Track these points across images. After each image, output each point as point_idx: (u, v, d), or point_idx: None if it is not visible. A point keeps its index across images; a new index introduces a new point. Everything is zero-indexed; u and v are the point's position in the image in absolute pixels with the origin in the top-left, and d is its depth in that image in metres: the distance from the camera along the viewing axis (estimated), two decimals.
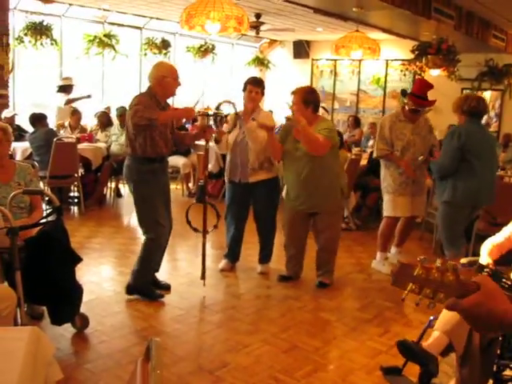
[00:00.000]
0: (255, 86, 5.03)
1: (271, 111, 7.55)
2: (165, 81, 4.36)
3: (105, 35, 10.25)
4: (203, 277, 4.75)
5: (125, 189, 8.88)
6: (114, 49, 10.38)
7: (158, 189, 4.50)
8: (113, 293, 4.71)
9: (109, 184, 8.46)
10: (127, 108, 4.54)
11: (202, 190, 4.79)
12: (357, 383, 3.43)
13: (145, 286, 4.55)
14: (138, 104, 4.29)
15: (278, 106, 6.60)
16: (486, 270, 1.41)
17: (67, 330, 3.84)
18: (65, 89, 9.30)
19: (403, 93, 5.57)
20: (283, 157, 4.92)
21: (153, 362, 1.30)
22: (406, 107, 5.36)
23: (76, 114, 8.45)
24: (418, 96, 5.30)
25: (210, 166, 8.67)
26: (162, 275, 4.82)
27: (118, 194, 8.62)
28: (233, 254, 5.42)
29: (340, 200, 5.05)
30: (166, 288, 4.72)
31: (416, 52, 9.03)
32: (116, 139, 8.20)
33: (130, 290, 4.54)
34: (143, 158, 4.39)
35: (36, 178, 4.18)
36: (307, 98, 4.76)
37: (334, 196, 4.92)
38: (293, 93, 4.87)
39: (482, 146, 4.86)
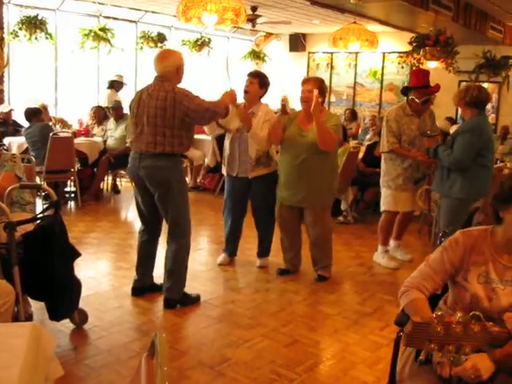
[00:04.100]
0: (250, 77, 4.99)
1: (266, 104, 7.49)
2: (182, 69, 4.15)
3: (100, 29, 10.17)
4: None
5: (122, 184, 8.86)
6: (110, 43, 10.31)
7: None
8: (111, 288, 4.67)
9: (106, 178, 8.41)
10: (157, 99, 4.00)
11: None
12: (358, 377, 3.41)
13: (185, 295, 4.35)
14: (190, 95, 4.00)
15: (274, 98, 6.53)
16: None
17: (66, 325, 3.80)
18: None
19: (404, 91, 5.47)
20: (283, 143, 4.86)
21: (158, 359, 1.26)
22: (417, 100, 5.21)
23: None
24: (422, 86, 5.24)
25: (206, 160, 8.66)
26: (160, 271, 4.75)
27: (115, 190, 8.58)
28: (231, 248, 5.39)
29: (330, 197, 5.00)
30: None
31: (414, 44, 8.99)
32: (112, 134, 8.15)
33: (172, 304, 4.27)
34: (179, 154, 4.17)
35: (16, 162, 3.85)
36: (322, 88, 4.73)
37: (325, 192, 4.88)
38: (306, 81, 4.84)
39: (491, 138, 4.84)
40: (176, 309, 4.26)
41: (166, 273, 4.29)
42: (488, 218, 2.43)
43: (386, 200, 5.49)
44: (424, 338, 1.17)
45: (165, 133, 3.99)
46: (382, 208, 5.58)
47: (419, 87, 5.23)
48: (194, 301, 4.37)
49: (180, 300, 4.29)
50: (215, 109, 4.09)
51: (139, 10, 10.77)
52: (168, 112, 3.96)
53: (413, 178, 5.36)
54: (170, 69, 4.06)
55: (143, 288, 4.47)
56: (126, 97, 9.59)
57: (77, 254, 3.73)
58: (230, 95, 4.39)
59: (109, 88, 10.05)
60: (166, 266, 4.29)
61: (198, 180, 8.90)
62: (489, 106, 11.53)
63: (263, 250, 5.35)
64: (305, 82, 4.83)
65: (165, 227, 4.39)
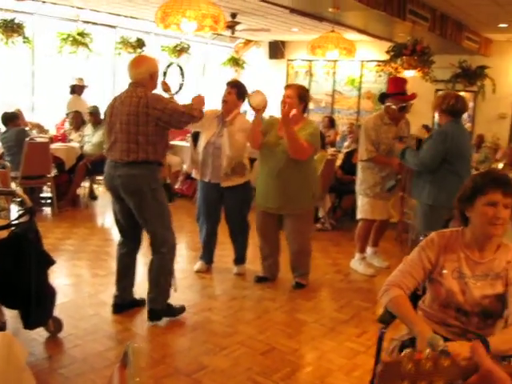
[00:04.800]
0: (228, 86, 5.01)
1: (245, 111, 7.51)
2: (156, 75, 4.11)
3: (78, 34, 10.08)
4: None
5: (99, 190, 8.79)
6: (88, 47, 10.23)
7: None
8: (87, 295, 4.63)
9: (83, 184, 8.34)
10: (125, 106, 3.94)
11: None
12: None
13: (169, 306, 4.23)
14: (164, 100, 3.97)
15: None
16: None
17: (40, 334, 3.76)
18: (75, 89, 9.42)
19: (382, 97, 5.52)
20: (262, 150, 4.86)
21: (131, 369, 1.25)
22: (393, 107, 5.27)
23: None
24: (398, 93, 5.30)
25: (184, 167, 8.63)
26: (142, 286, 4.65)
27: (92, 196, 8.51)
28: (207, 255, 5.37)
29: (309, 204, 4.99)
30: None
31: (391, 53, 9.06)
32: (89, 139, 8.09)
33: (156, 316, 4.14)
34: (155, 162, 4.03)
35: None
36: (303, 95, 4.75)
37: (303, 199, 4.86)
38: (287, 86, 4.87)
39: (464, 147, 4.84)
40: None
41: (150, 283, 4.17)
42: (462, 224, 2.50)
43: (363, 208, 5.52)
44: (396, 376, 1.18)
45: (138, 140, 3.90)
46: (359, 216, 5.60)
47: (396, 94, 5.29)
48: (178, 312, 4.27)
49: (164, 311, 4.18)
50: (191, 112, 4.04)
51: (118, 15, 10.69)
52: (141, 118, 3.88)
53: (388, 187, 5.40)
54: (144, 75, 4.01)
55: (124, 304, 4.31)
56: (93, 100, 9.54)
57: (51, 262, 3.68)
58: (199, 101, 4.29)
59: (71, 93, 9.83)
60: (149, 277, 4.17)
61: (176, 186, 8.86)
62: (465, 115, 11.67)
63: (239, 258, 5.34)
64: (286, 87, 4.88)
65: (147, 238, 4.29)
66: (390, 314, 2.50)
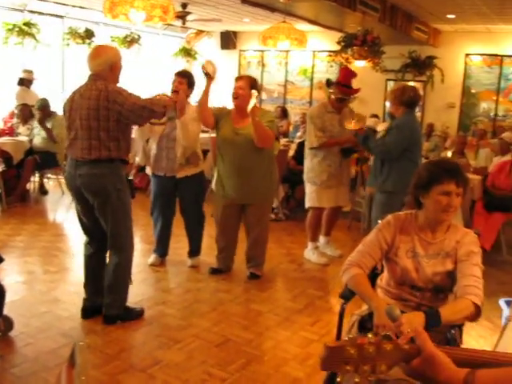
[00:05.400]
0: (178, 76, 4.97)
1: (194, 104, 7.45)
2: (117, 66, 3.87)
3: (25, 24, 9.83)
4: None
5: (49, 184, 8.62)
6: (35, 38, 9.99)
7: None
8: (38, 292, 4.54)
9: (32, 179, 8.16)
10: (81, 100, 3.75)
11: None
12: (290, 373, 3.46)
13: (127, 309, 4.08)
14: (125, 92, 3.73)
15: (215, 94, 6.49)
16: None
17: None
18: (24, 82, 9.14)
19: (328, 83, 5.64)
20: (219, 143, 4.86)
21: (77, 368, 1.24)
22: (333, 96, 5.44)
23: None
24: (343, 85, 5.40)
25: (137, 159, 8.51)
26: None
27: (43, 191, 8.33)
28: (162, 248, 5.34)
29: (272, 193, 5.06)
30: None
31: (342, 43, 9.15)
32: (39, 132, 7.90)
33: (112, 320, 3.98)
34: (119, 160, 3.85)
35: None
36: (254, 86, 4.75)
37: (266, 188, 4.93)
38: (239, 78, 4.87)
39: (419, 135, 5.13)
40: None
41: (106, 288, 3.99)
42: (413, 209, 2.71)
43: (311, 196, 5.61)
44: (339, 360, 1.20)
45: (100, 136, 3.71)
46: (307, 204, 5.69)
47: (341, 84, 5.39)
48: (136, 315, 4.12)
49: (121, 315, 4.01)
50: (153, 107, 3.80)
51: (66, 4, 10.44)
52: (101, 112, 3.67)
53: (337, 174, 5.49)
54: (104, 66, 3.78)
55: (94, 308, 4.08)
56: (42, 92, 9.33)
57: (0, 259, 3.60)
58: (161, 98, 4.12)
59: (19, 84, 9.51)
60: (105, 281, 4.00)
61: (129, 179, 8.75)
62: None
63: (194, 250, 5.33)
64: (237, 79, 4.88)
65: None
66: (350, 291, 2.68)
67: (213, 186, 5.11)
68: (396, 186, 4.84)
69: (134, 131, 5.22)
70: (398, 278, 2.64)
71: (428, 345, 1.28)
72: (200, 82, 4.99)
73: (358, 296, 2.64)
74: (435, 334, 2.27)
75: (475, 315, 2.38)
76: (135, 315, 4.12)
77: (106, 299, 4.00)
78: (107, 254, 4.10)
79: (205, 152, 5.56)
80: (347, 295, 2.74)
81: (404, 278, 2.62)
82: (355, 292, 2.63)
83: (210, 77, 4.66)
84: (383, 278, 2.78)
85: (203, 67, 4.67)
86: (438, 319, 2.29)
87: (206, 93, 4.73)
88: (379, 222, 2.78)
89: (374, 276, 2.85)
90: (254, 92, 4.54)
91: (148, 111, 3.79)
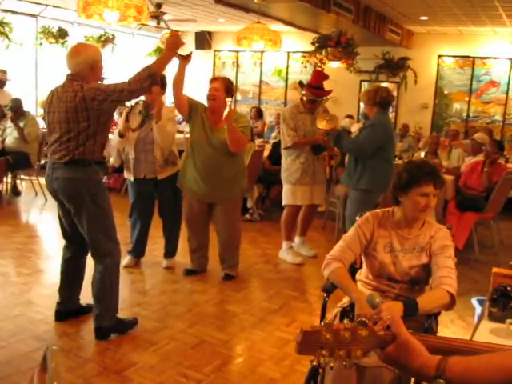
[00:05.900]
0: None
1: (173, 103, 7.42)
2: (99, 66, 3.69)
3: None
4: None
5: (22, 185, 8.52)
6: (8, 37, 9.85)
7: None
8: (11, 295, 4.48)
9: (5, 180, 8.05)
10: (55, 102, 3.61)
11: None
12: (265, 374, 3.47)
13: (119, 320, 3.89)
14: (102, 86, 3.55)
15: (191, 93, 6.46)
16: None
17: None
18: None
19: (301, 84, 5.70)
20: (194, 139, 4.84)
21: (50, 373, 1.23)
22: (304, 98, 5.53)
23: None
24: (315, 87, 5.47)
25: (111, 160, 8.47)
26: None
27: (15, 192, 8.23)
28: (139, 250, 5.32)
29: (240, 194, 5.07)
30: (91, 310, 3.97)
31: (316, 44, 9.18)
32: (11, 132, 7.80)
33: (105, 333, 3.79)
34: (94, 162, 3.68)
35: None
36: (229, 88, 4.78)
37: (235, 188, 4.94)
38: (214, 79, 4.87)
39: (393, 135, 5.30)
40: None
41: (94, 298, 3.81)
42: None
43: (286, 194, 5.69)
44: (315, 345, 1.21)
45: (78, 138, 3.56)
46: (283, 202, 5.76)
47: (313, 86, 5.45)
48: (130, 326, 3.96)
49: (113, 327, 3.83)
50: (136, 86, 3.54)
51: (39, 3, 10.33)
52: (80, 114, 3.52)
53: (310, 173, 5.55)
54: (83, 66, 3.58)
55: (67, 312, 4.01)
56: (15, 92, 9.20)
57: None
58: (174, 40, 3.85)
59: None
60: (92, 291, 3.82)
61: (103, 180, 8.69)
62: None
63: (170, 251, 5.32)
64: (212, 80, 4.88)
65: None
66: (332, 285, 2.82)
67: (178, 183, 5.02)
68: (370, 184, 4.99)
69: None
70: (376, 271, 2.80)
71: (402, 331, 1.30)
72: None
73: (339, 289, 2.77)
74: (413, 324, 2.46)
75: (450, 304, 2.55)
76: (129, 326, 3.96)
77: (95, 310, 3.81)
78: (86, 259, 4.02)
79: (180, 152, 5.54)
80: (329, 288, 2.86)
81: (382, 272, 2.77)
82: (337, 285, 2.76)
83: (184, 58, 4.58)
84: (362, 272, 2.94)
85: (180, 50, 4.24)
86: (415, 308, 2.44)
87: (180, 72, 4.69)
88: (357, 218, 2.93)
89: (353, 271, 3.02)
90: (229, 100, 4.58)
91: (126, 94, 3.56)
